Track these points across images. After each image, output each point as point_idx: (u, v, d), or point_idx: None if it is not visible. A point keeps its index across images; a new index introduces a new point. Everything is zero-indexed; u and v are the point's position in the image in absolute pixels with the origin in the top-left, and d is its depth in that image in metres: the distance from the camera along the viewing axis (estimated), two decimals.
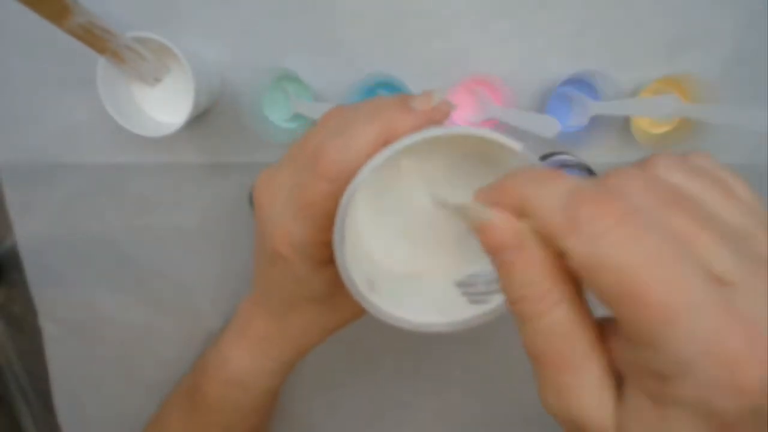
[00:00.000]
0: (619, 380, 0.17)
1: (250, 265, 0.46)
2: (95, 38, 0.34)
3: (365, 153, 0.23)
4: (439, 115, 0.25)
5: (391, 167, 0.24)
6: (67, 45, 0.41)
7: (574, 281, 0.17)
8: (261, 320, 0.35)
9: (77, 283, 0.46)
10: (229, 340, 0.37)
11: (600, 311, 0.18)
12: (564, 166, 0.39)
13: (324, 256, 0.27)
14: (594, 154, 0.42)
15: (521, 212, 0.18)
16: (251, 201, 0.41)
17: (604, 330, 0.18)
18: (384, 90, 0.40)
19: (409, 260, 0.26)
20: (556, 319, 0.17)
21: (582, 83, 0.40)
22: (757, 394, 0.14)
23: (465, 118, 0.41)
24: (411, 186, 0.26)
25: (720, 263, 0.15)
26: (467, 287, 0.25)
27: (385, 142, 0.23)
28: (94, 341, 0.47)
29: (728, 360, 0.14)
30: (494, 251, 0.18)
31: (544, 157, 0.42)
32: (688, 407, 0.15)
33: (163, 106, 0.40)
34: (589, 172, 0.39)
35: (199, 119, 0.43)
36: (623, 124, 0.41)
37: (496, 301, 0.23)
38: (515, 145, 0.22)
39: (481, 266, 0.25)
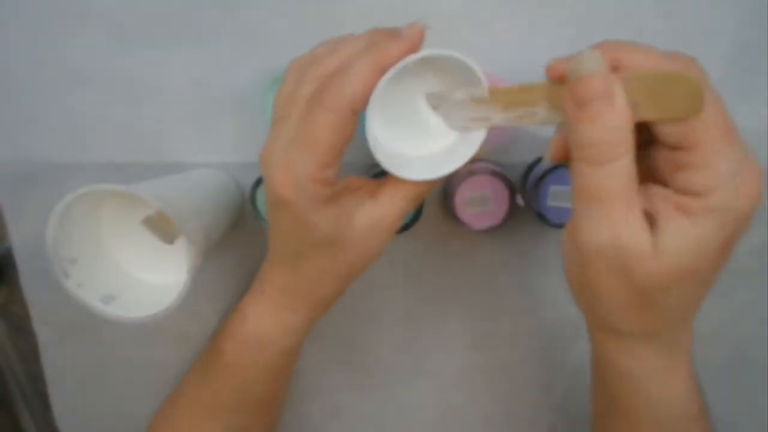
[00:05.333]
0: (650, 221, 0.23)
1: (250, 265, 0.47)
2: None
3: (364, 82, 0.27)
4: (421, 41, 0.28)
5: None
6: (69, 45, 0.41)
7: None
8: (276, 274, 0.35)
9: None
10: (248, 298, 0.37)
11: None
12: (563, 166, 0.39)
13: (324, 193, 0.29)
14: None
15: (615, 67, 0.23)
16: (252, 200, 0.41)
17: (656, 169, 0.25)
18: None
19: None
20: (627, 162, 0.23)
21: None
22: (758, 197, 0.23)
23: None
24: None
25: None
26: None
27: (382, 70, 0.27)
28: (92, 343, 0.47)
29: (745, 180, 0.23)
30: (584, 101, 0.23)
31: (543, 158, 0.42)
32: (716, 212, 0.22)
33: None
34: None
35: (199, 120, 0.43)
36: None
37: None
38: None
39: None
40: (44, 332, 0.47)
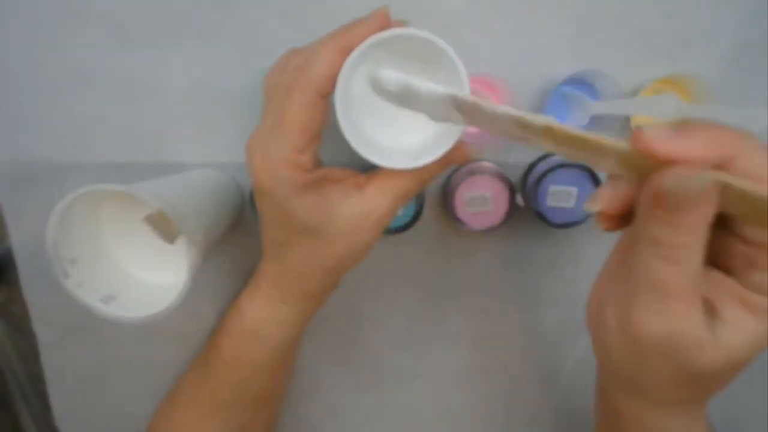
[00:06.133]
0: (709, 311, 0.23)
1: (249, 265, 0.47)
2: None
3: (329, 63, 0.27)
4: (390, 25, 0.29)
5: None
6: (69, 45, 0.41)
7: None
8: (268, 267, 0.35)
9: None
10: (245, 294, 0.37)
11: None
12: (563, 166, 0.39)
13: (301, 179, 0.29)
14: None
15: (720, 165, 0.21)
16: (251, 201, 0.41)
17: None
18: None
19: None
20: (699, 262, 0.22)
21: (582, 83, 0.40)
22: None
23: None
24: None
25: None
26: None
27: (345, 51, 0.28)
28: (92, 343, 0.47)
29: None
30: (669, 207, 0.21)
31: (543, 158, 0.42)
32: None
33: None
34: (589, 172, 0.39)
35: (199, 120, 0.43)
36: (623, 124, 0.41)
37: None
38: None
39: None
40: (44, 332, 0.47)
